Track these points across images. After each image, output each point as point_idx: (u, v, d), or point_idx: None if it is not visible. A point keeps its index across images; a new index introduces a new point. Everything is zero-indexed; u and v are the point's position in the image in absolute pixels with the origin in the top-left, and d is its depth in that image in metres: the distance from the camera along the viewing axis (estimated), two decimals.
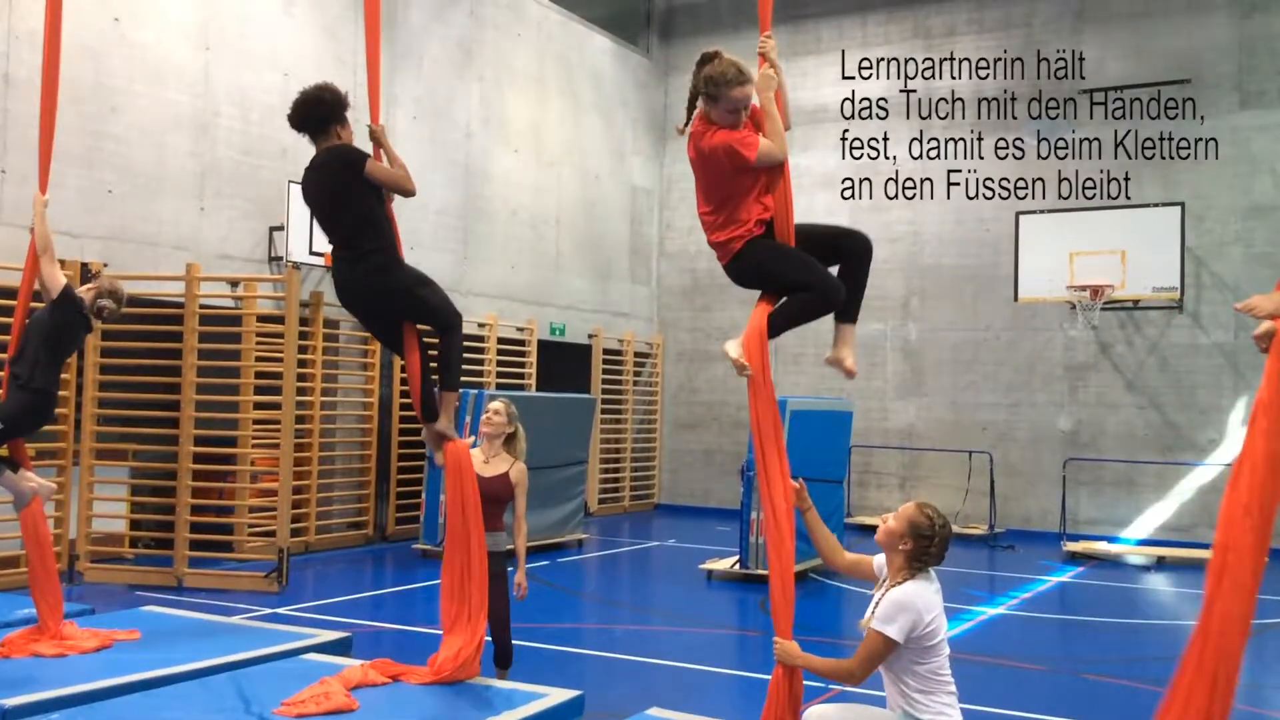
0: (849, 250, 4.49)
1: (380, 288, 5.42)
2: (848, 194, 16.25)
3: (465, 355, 13.75)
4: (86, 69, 9.82)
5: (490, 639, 5.70)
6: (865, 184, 16.19)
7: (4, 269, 8.65)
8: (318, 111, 5.51)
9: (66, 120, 8.92)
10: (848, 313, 4.47)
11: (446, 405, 5.64)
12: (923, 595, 3.96)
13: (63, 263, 7.18)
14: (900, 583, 4.01)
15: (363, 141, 5.62)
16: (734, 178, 4.29)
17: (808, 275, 4.31)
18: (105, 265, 9.57)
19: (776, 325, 4.38)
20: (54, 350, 6.10)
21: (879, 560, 4.28)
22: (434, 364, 5.69)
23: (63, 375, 6.68)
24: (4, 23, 9.32)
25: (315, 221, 5.77)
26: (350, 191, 5.39)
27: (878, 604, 4.03)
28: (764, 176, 4.34)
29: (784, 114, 4.37)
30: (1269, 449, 3.18)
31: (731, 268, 4.45)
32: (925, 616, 3.92)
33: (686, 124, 4.43)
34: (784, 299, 4.39)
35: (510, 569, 5.76)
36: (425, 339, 5.70)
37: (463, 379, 14.66)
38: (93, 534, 9.96)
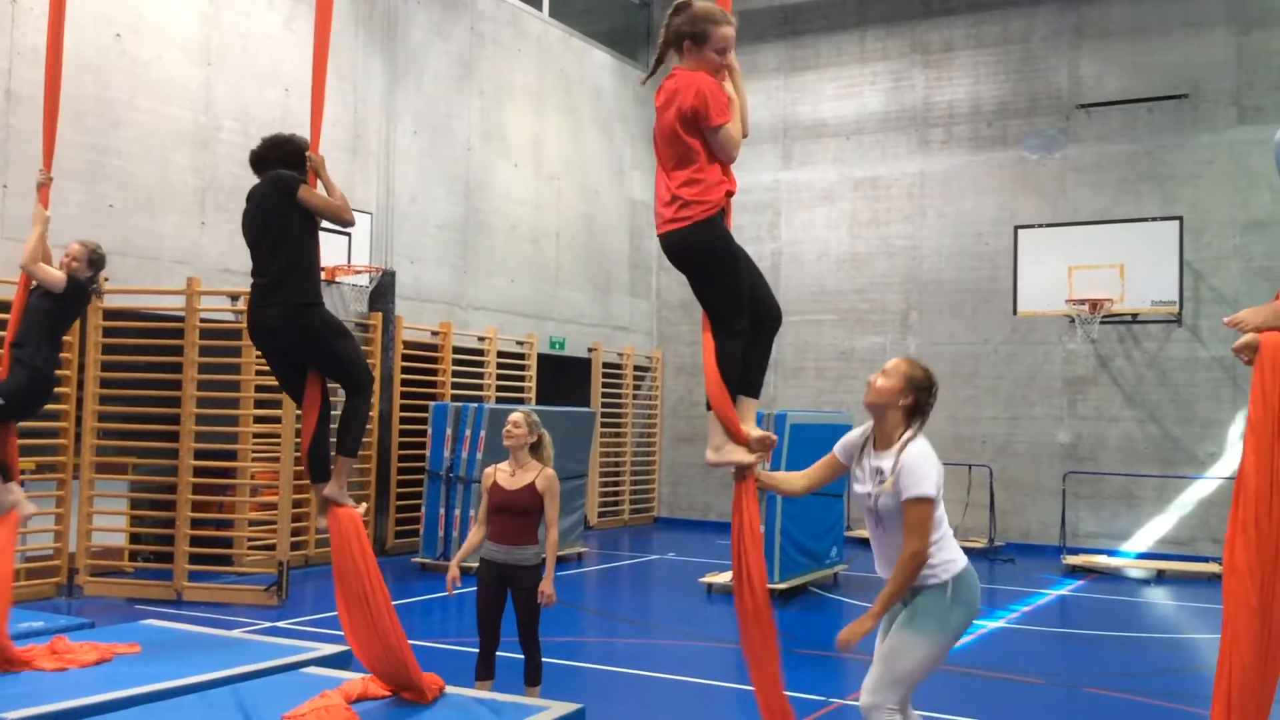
0: (765, 322, 4.04)
1: (293, 327, 5.06)
2: (846, 209, 16.32)
3: (466, 368, 13.85)
4: (88, 84, 9.86)
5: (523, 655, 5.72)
6: (864, 198, 16.25)
7: (6, 283, 8.68)
8: (284, 149, 5.31)
9: (68, 135, 8.97)
10: (755, 386, 4.05)
11: (340, 470, 5.25)
12: (929, 447, 3.98)
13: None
14: (907, 441, 3.99)
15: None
16: (685, 134, 3.83)
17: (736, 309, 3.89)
18: (106, 279, 9.59)
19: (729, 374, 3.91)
20: (56, 331, 6.23)
21: (843, 443, 4.20)
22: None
23: (64, 389, 6.71)
24: (6, 39, 9.37)
25: (250, 255, 5.30)
26: (278, 216, 5.11)
27: (894, 471, 3.91)
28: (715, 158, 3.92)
29: (743, 114, 4.00)
30: (1259, 464, 3.15)
31: (675, 239, 3.90)
32: (941, 465, 3.93)
33: (650, 75, 4.16)
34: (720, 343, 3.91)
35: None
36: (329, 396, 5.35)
37: (463, 392, 14.66)
38: (92, 547, 9.95)
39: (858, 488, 4.12)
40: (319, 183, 5.29)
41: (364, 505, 5.55)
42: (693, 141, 3.83)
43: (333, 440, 5.33)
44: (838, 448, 4.27)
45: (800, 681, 7.20)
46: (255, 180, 5.35)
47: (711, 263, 3.87)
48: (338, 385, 5.29)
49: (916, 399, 4.03)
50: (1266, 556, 3.13)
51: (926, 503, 3.85)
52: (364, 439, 5.31)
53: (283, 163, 5.28)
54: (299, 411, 5.51)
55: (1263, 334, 3.18)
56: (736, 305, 3.88)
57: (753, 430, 3.93)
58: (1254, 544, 3.12)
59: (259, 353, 5.62)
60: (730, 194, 3.94)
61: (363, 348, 12.32)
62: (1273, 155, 3.27)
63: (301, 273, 5.10)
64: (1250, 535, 3.13)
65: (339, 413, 5.33)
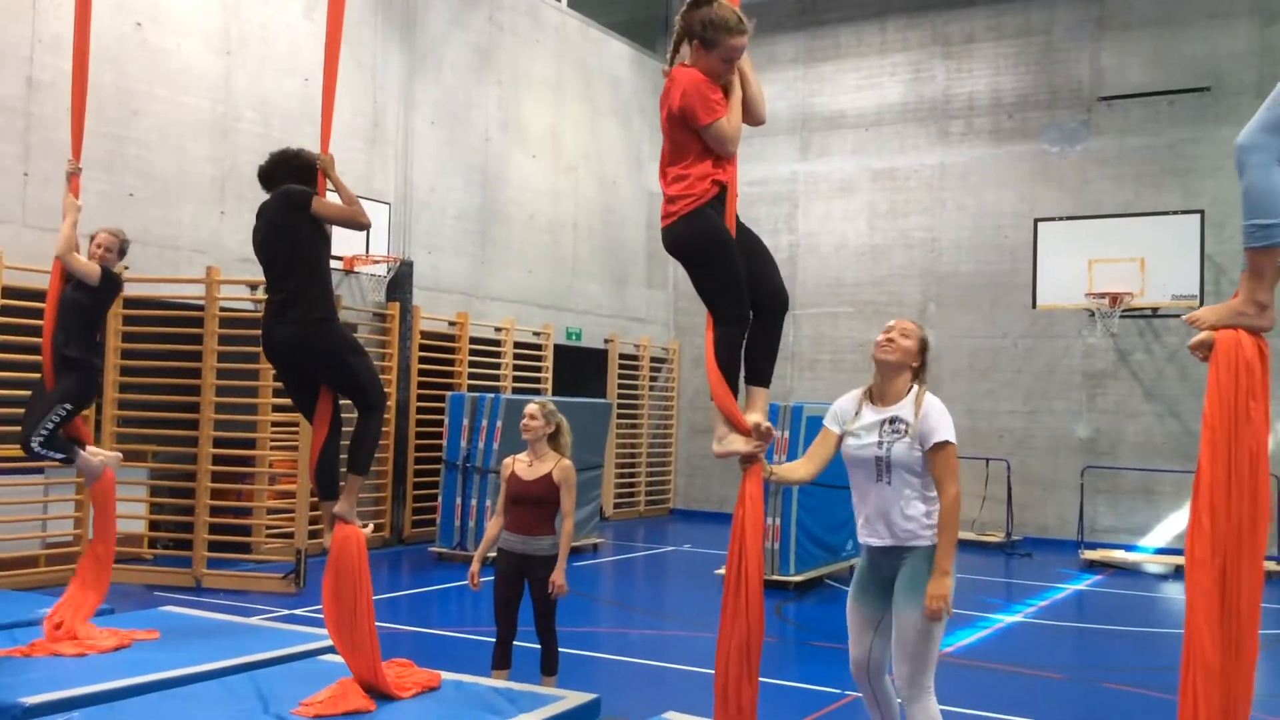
0: (768, 308, 3.98)
1: (308, 343, 5.03)
2: (865, 200, 16.25)
3: (483, 359, 13.87)
4: (108, 73, 9.89)
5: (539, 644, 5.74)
6: (883, 190, 16.19)
7: (29, 271, 8.74)
8: (294, 164, 5.28)
9: (88, 124, 8.96)
10: (762, 375, 4.00)
11: (350, 488, 5.21)
12: None
13: None
14: (919, 395, 4.20)
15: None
16: (680, 128, 3.87)
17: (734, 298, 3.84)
18: (126, 268, 9.63)
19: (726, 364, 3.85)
20: (93, 323, 6.30)
21: (834, 412, 4.36)
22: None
23: None
24: (27, 28, 9.40)
25: (264, 271, 5.25)
26: (290, 230, 5.08)
27: (917, 419, 4.12)
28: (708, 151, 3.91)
29: (752, 100, 3.98)
30: (1214, 457, 3.18)
31: (666, 234, 3.95)
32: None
33: (671, 65, 4.02)
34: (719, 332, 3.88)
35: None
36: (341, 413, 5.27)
37: (480, 382, 14.65)
38: None
39: (855, 443, 4.22)
40: (329, 185, 5.22)
41: (370, 526, 5.52)
42: (683, 137, 3.86)
43: (344, 457, 5.30)
44: (828, 419, 4.36)
45: (815, 674, 7.21)
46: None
47: (697, 253, 3.88)
48: (349, 402, 5.24)
49: (923, 359, 4.31)
50: (1227, 547, 3.17)
51: (953, 446, 4.12)
52: (373, 456, 5.28)
53: (293, 177, 5.24)
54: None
55: (1218, 331, 3.22)
56: (730, 293, 3.84)
57: (752, 419, 3.89)
58: (1209, 535, 3.18)
59: (272, 367, 5.56)
60: (720, 184, 3.88)
61: (380, 337, 12.39)
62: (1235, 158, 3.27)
63: (316, 288, 5.07)
64: (1205, 526, 3.18)
65: (350, 430, 5.28)
